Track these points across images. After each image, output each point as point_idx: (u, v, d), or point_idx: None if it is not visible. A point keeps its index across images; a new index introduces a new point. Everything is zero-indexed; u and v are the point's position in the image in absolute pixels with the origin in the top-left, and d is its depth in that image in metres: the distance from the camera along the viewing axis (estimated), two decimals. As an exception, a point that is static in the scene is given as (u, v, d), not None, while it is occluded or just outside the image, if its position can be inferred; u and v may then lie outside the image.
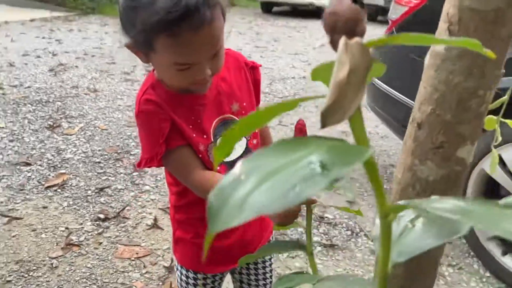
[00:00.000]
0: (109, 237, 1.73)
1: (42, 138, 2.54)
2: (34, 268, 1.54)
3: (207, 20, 0.69)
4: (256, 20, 8.85)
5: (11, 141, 2.48)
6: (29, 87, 3.41)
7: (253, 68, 0.96)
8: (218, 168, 0.85)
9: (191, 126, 0.82)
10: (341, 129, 3.11)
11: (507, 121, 0.62)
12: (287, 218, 0.74)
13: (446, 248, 1.85)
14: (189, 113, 0.82)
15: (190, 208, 0.92)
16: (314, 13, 9.61)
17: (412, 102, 1.96)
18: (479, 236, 1.67)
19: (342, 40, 0.29)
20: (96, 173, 2.20)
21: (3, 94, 3.19)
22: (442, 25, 0.52)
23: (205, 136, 0.84)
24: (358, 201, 2.18)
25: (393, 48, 1.98)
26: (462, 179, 0.57)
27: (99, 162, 2.32)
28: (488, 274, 1.68)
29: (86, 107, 3.09)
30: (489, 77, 0.51)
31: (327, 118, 0.29)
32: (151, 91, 0.80)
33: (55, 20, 6.85)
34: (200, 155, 0.82)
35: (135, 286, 1.49)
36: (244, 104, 0.91)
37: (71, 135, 2.61)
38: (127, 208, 1.92)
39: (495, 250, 1.64)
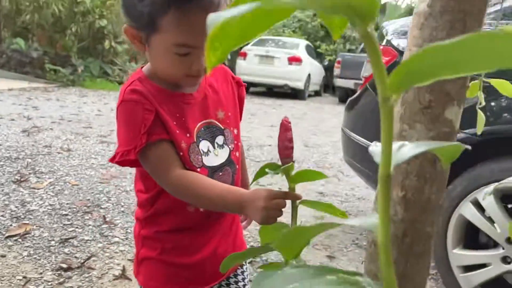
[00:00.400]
0: (70, 287, 1.57)
1: (7, 191, 2.41)
2: (-19, 319, 1.36)
3: (216, 4, 0.72)
4: (233, 98, 9.20)
5: (-27, 193, 2.34)
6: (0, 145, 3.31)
7: (239, 85, 0.98)
8: (199, 170, 0.82)
9: (175, 122, 0.80)
10: (319, 191, 3.10)
11: (491, 80, 0.64)
12: (270, 215, 0.71)
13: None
14: (174, 109, 0.80)
15: (158, 219, 0.87)
16: (289, 94, 10.10)
17: None
18: (463, 286, 1.62)
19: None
20: (62, 225, 2.07)
21: (-30, 150, 3.08)
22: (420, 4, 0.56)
23: (188, 135, 0.82)
24: (338, 256, 2.10)
25: (365, 99, 2.08)
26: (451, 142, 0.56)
27: (67, 215, 2.19)
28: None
29: (58, 164, 3.00)
30: (471, 31, 0.53)
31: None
32: (138, 83, 0.79)
33: (33, 90, 6.90)
34: (181, 153, 0.79)
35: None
36: (229, 114, 0.91)
37: (38, 189, 2.50)
38: (92, 258, 1.78)
39: None
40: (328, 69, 12.81)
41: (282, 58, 9.60)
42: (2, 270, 1.62)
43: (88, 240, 1.94)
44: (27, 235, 1.92)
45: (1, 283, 1.54)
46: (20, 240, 1.87)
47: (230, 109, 0.91)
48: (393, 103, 0.30)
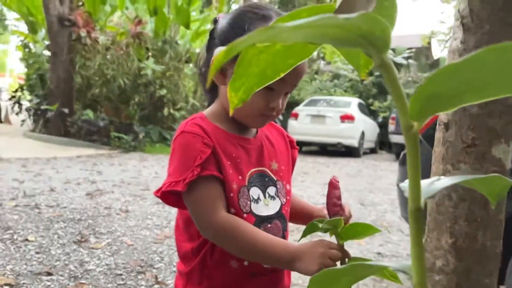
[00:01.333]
0: None
1: (67, 251, 2.51)
2: None
3: None
4: (286, 158, 9.24)
5: (37, 253, 2.46)
6: (65, 207, 3.52)
7: (292, 145, 1.00)
8: (246, 216, 0.81)
9: (229, 163, 0.80)
10: (377, 251, 2.93)
11: None
12: (327, 264, 0.68)
13: None
14: (231, 149, 0.82)
15: (204, 272, 0.84)
16: (343, 152, 9.98)
17: None
18: None
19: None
20: (116, 284, 2.10)
21: (39, 213, 3.30)
22: (455, 25, 0.55)
23: (240, 177, 0.81)
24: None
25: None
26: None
27: (121, 274, 2.22)
28: None
29: (116, 225, 3.11)
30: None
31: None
32: (199, 120, 0.82)
33: (99, 156, 7.40)
34: (232, 194, 0.79)
35: None
36: (283, 167, 0.91)
37: (97, 249, 2.58)
38: (143, 319, 1.77)
39: None
40: (383, 126, 12.60)
41: (334, 116, 9.64)
42: (57, 329, 1.65)
43: (139, 300, 1.95)
44: (83, 295, 1.96)
45: None
46: (76, 299, 1.92)
47: (283, 163, 0.92)
48: (416, 131, 0.28)
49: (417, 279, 0.24)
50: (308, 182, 5.73)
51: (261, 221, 0.83)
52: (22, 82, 11.15)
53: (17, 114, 10.58)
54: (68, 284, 2.07)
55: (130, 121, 8.59)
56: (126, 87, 8.41)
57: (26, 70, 10.33)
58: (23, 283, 2.05)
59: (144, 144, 8.41)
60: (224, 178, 0.78)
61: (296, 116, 9.96)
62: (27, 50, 10.15)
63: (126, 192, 4.29)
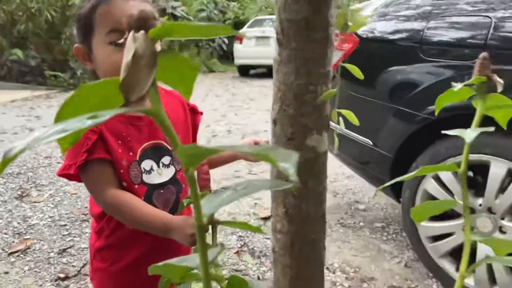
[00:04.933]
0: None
1: (10, 208, 2.56)
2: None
3: None
4: (234, 83, 9.22)
5: (-22, 213, 2.50)
6: (2, 161, 3.47)
7: (194, 112, 1.06)
8: (137, 187, 0.90)
9: (120, 142, 0.88)
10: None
11: (343, 111, 0.71)
12: (190, 232, 0.79)
13: (406, 272, 1.86)
14: (122, 129, 0.89)
15: (112, 234, 0.95)
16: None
17: (362, 138, 2.04)
18: (433, 255, 1.70)
19: (131, 33, 0.38)
20: (61, 236, 2.21)
21: (-24, 170, 3.24)
22: (275, 38, 0.62)
23: (131, 153, 0.89)
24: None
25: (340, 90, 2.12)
26: (319, 165, 0.64)
27: (65, 225, 2.33)
28: (448, 294, 1.68)
29: (58, 174, 3.14)
30: (315, 75, 0.60)
31: (126, 93, 0.38)
32: None
33: (36, 99, 7.07)
34: (122, 170, 0.88)
35: None
36: (179, 136, 0.99)
37: (39, 202, 2.64)
38: (88, 265, 1.92)
39: (449, 267, 1.67)
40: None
41: (277, 36, 9.52)
42: (5, 286, 1.77)
43: (85, 248, 2.08)
44: (28, 250, 2.07)
45: (4, 298, 1.69)
46: (22, 255, 2.02)
47: (181, 132, 1.00)
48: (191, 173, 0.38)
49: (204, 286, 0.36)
50: (253, 109, 5.86)
51: (154, 189, 0.93)
52: None
53: None
54: (13, 241, 2.16)
55: (64, 57, 8.11)
56: (54, 20, 7.80)
57: None
58: (-33, 246, 2.12)
59: (84, 80, 8.07)
60: (113, 158, 0.87)
61: (240, 39, 9.75)
62: None
63: (67, 138, 4.24)
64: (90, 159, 0.84)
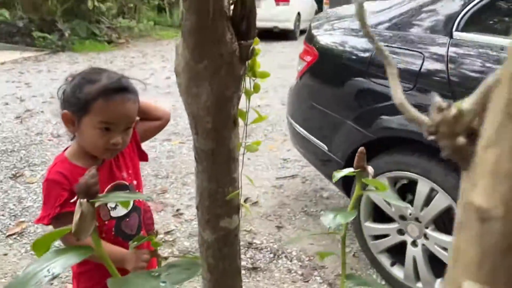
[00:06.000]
0: (66, 276, 2.00)
1: (5, 189, 2.80)
2: (-7, 310, 1.80)
3: (132, 99, 1.06)
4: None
5: (-24, 193, 2.74)
6: (-4, 137, 3.67)
7: (134, 131, 1.26)
8: (107, 222, 1.14)
9: None
10: (284, 157, 3.43)
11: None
12: (140, 269, 1.04)
13: (353, 261, 2.17)
14: None
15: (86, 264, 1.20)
16: (279, 35, 10.05)
17: (319, 142, 2.24)
18: (372, 249, 1.99)
19: (78, 200, 0.62)
20: (53, 218, 2.47)
21: (-30, 146, 3.45)
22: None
23: None
24: (286, 225, 2.49)
25: (299, 97, 2.33)
26: (232, 237, 0.88)
27: (57, 208, 2.59)
28: (383, 282, 2.00)
29: (49, 153, 3.37)
30: (223, 181, 0.82)
31: (77, 236, 0.61)
32: (60, 165, 1.09)
33: (25, 61, 7.11)
34: None
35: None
36: (130, 171, 1.21)
37: (32, 183, 2.88)
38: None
39: (385, 262, 1.97)
40: (321, 1, 12.49)
41: (268, 0, 9.45)
42: (4, 268, 2.05)
43: (74, 231, 2.35)
44: (23, 233, 2.34)
45: (5, 279, 1.97)
46: (18, 238, 2.29)
47: (131, 167, 1.22)
48: None
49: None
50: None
51: (121, 220, 1.17)
52: None
53: None
54: (10, 224, 2.42)
55: (52, 17, 8.04)
56: (40, -21, 7.65)
57: None
58: (-31, 227, 2.38)
59: (72, 42, 8.06)
60: None
61: None
62: None
63: (57, 111, 4.40)
64: (61, 212, 1.05)
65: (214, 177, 0.80)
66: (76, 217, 0.63)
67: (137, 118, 1.26)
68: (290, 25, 9.70)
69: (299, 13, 10.03)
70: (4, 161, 3.21)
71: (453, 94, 1.54)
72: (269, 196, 2.82)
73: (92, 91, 1.02)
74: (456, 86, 1.55)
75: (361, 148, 0.85)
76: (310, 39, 2.22)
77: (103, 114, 1.02)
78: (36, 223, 1.10)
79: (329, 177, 2.32)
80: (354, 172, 0.89)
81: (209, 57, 0.66)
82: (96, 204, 0.64)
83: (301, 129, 2.33)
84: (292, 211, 2.64)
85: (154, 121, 1.29)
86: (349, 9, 2.46)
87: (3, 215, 2.50)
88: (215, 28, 0.63)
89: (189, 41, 0.65)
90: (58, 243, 1.06)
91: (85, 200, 0.63)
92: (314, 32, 2.23)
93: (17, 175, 2.99)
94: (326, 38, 2.16)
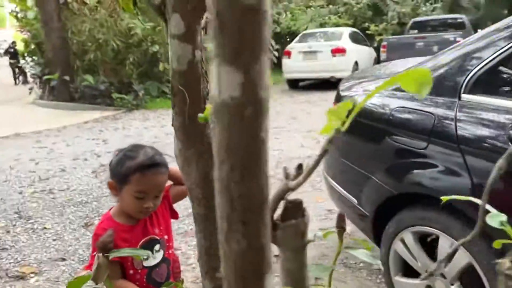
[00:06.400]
0: None
1: (77, 236, 3.20)
2: None
3: (162, 172, 1.33)
4: (282, 97, 9.62)
5: (54, 240, 3.16)
6: (74, 189, 4.19)
7: (166, 194, 1.50)
8: (140, 271, 1.37)
9: (127, 244, 1.36)
10: (328, 208, 3.52)
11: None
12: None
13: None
14: (127, 237, 1.37)
15: None
16: (336, 84, 10.25)
17: (350, 196, 2.34)
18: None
19: (96, 255, 0.87)
20: (114, 264, 2.78)
21: (53, 198, 3.98)
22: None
23: None
24: (323, 277, 2.55)
25: (331, 153, 2.48)
26: None
27: (118, 255, 2.90)
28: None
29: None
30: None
31: (95, 280, 0.85)
32: (105, 224, 1.36)
33: (104, 119, 8.01)
34: (129, 263, 1.35)
35: None
36: (161, 228, 1.45)
37: (100, 231, 3.25)
38: None
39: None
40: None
41: (325, 51, 9.81)
42: (71, 308, 2.35)
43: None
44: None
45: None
46: (84, 281, 2.61)
47: (162, 224, 1.46)
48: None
49: None
50: (293, 131, 6.23)
51: (152, 269, 1.39)
52: (24, 34, 11.26)
53: (23, 83, 11.11)
54: (78, 268, 2.76)
55: (128, 80, 9.03)
56: (119, 48, 8.73)
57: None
58: (44, 270, 2.75)
59: (145, 100, 8.93)
60: (121, 260, 1.34)
61: (289, 54, 10.16)
62: (20, 16, 10.38)
63: (126, 165, 4.92)
64: None
65: (208, 237, 0.99)
66: (94, 267, 0.86)
67: (171, 182, 1.52)
68: (346, 75, 9.89)
69: (356, 62, 10.23)
70: (79, 211, 3.66)
71: (461, 153, 1.62)
72: (310, 247, 2.91)
73: (132, 166, 1.29)
74: (464, 145, 1.64)
75: (340, 212, 1.00)
76: (339, 100, 2.40)
77: (139, 185, 1.28)
78: (85, 269, 1.35)
79: (362, 229, 2.39)
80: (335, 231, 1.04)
81: (194, 146, 0.88)
82: (110, 257, 0.86)
83: (334, 183, 2.46)
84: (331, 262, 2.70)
85: (183, 186, 1.54)
86: (378, 69, 2.62)
87: (73, 260, 2.86)
88: (196, 126, 0.86)
89: (179, 135, 0.88)
90: (90, 282, 1.30)
91: (101, 254, 0.86)
92: (342, 93, 2.41)
93: (88, 224, 3.40)
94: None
